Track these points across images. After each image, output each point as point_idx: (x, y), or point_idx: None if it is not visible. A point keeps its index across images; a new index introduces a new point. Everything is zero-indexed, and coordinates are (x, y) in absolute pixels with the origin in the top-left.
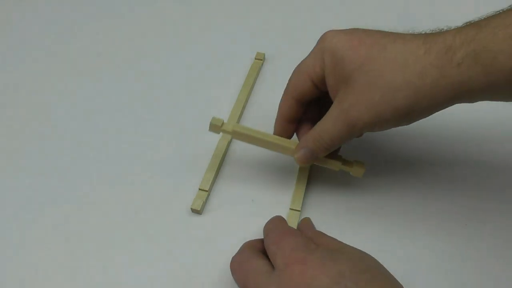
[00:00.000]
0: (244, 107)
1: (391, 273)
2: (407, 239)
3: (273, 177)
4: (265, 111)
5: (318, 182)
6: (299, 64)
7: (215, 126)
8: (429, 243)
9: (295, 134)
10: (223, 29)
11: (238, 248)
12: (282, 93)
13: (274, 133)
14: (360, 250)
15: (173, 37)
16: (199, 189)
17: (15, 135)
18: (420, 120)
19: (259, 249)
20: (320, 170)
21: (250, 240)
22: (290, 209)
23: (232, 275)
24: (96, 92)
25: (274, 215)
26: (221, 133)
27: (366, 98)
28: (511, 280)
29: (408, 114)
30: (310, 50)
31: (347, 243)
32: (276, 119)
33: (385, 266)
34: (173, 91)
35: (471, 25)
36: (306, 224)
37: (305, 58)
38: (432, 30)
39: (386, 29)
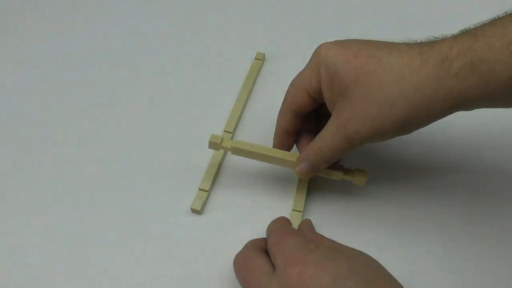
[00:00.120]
0: (244, 107)
1: (391, 273)
2: (407, 240)
3: (273, 177)
4: (265, 111)
5: (320, 183)
6: (295, 78)
7: (214, 144)
8: (430, 244)
9: (294, 145)
10: (223, 29)
11: (238, 248)
12: (283, 89)
13: (274, 146)
14: (360, 251)
15: (173, 37)
16: (199, 189)
17: (16, 134)
18: None
19: (262, 248)
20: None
21: (254, 239)
22: (293, 210)
23: (235, 273)
24: (96, 92)
25: (274, 215)
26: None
27: (363, 112)
28: (511, 280)
29: (406, 126)
30: (310, 50)
31: (348, 245)
32: (275, 132)
33: (385, 267)
34: (173, 91)
35: (466, 34)
36: (306, 226)
37: (301, 72)
38: (427, 39)
39: (386, 29)
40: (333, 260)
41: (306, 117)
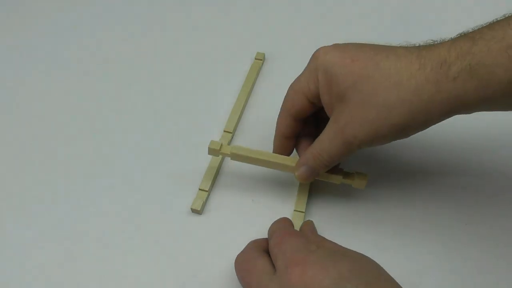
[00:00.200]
0: (244, 107)
1: (391, 274)
2: (407, 240)
3: (273, 178)
4: (265, 111)
5: (320, 185)
6: (293, 82)
7: (214, 150)
8: (430, 244)
9: (294, 149)
10: (223, 29)
11: (238, 248)
12: (283, 89)
13: (274, 150)
14: (361, 253)
15: (173, 37)
16: (199, 189)
17: (17, 137)
18: None
19: (264, 248)
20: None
21: (256, 239)
22: (295, 210)
23: (236, 273)
24: (96, 92)
25: (274, 215)
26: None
27: (361, 116)
28: (511, 280)
29: (404, 130)
30: (310, 50)
31: (349, 246)
32: (275, 137)
33: (385, 267)
34: (173, 91)
35: (464, 38)
36: (308, 227)
37: (300, 75)
38: (426, 42)
39: (386, 30)
40: (334, 261)
41: (306, 121)
